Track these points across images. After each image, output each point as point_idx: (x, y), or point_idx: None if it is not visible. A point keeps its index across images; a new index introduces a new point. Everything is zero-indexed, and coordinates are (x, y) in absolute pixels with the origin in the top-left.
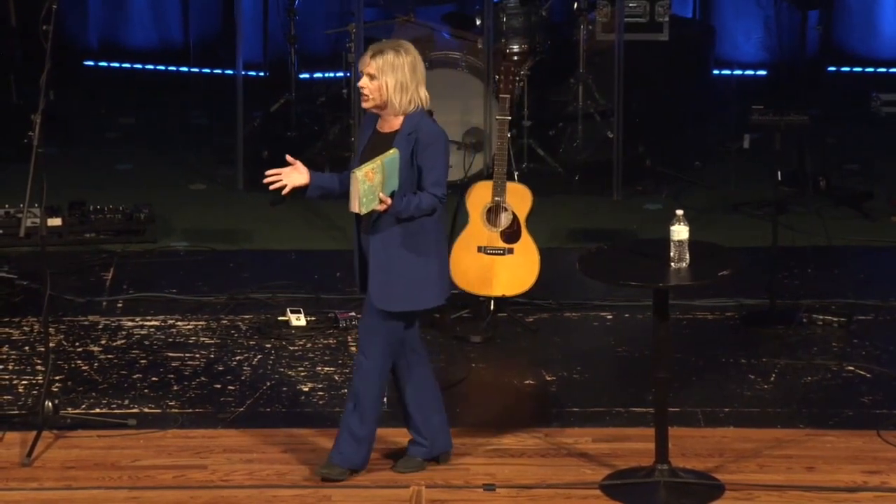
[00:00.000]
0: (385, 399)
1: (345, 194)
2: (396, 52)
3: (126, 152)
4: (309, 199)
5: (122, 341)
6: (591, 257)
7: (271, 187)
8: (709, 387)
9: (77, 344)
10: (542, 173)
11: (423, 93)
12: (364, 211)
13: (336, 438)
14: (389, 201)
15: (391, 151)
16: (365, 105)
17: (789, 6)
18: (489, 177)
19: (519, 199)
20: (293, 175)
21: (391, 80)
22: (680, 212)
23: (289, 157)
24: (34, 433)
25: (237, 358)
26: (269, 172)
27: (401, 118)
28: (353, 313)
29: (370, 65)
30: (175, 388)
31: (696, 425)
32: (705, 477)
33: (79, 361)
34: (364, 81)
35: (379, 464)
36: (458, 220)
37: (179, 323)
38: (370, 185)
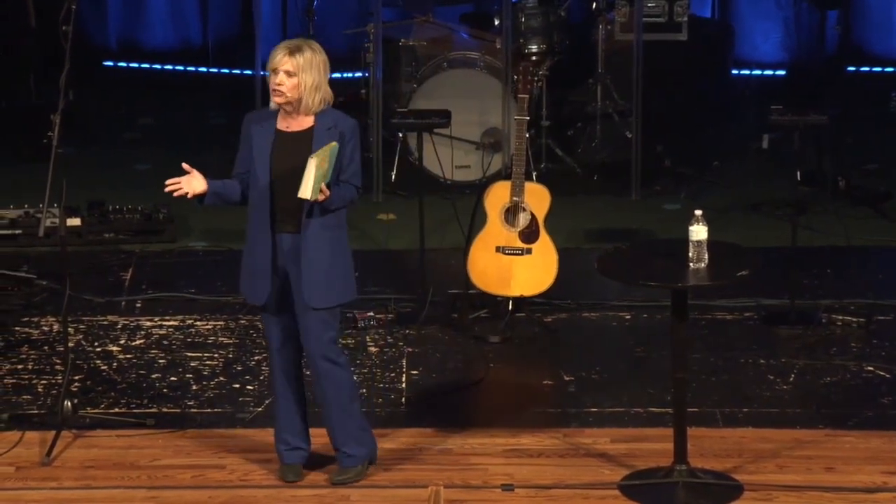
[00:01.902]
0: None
1: (243, 202)
2: (313, 50)
3: (145, 152)
4: (207, 207)
5: (141, 341)
6: (609, 257)
7: (175, 194)
8: (728, 387)
9: (96, 344)
10: (561, 173)
11: (329, 91)
12: (312, 198)
13: (335, 448)
14: (328, 192)
15: (332, 144)
16: (278, 101)
17: (808, 6)
18: (507, 177)
19: (537, 199)
20: (192, 182)
21: (309, 78)
22: (699, 212)
23: (185, 165)
24: (53, 433)
25: (255, 358)
26: (168, 182)
27: (311, 116)
28: (371, 313)
29: (287, 62)
30: (194, 387)
31: (715, 425)
32: (724, 477)
33: (98, 361)
34: (282, 78)
35: (397, 464)
36: (476, 220)
37: (198, 323)
38: (321, 173)
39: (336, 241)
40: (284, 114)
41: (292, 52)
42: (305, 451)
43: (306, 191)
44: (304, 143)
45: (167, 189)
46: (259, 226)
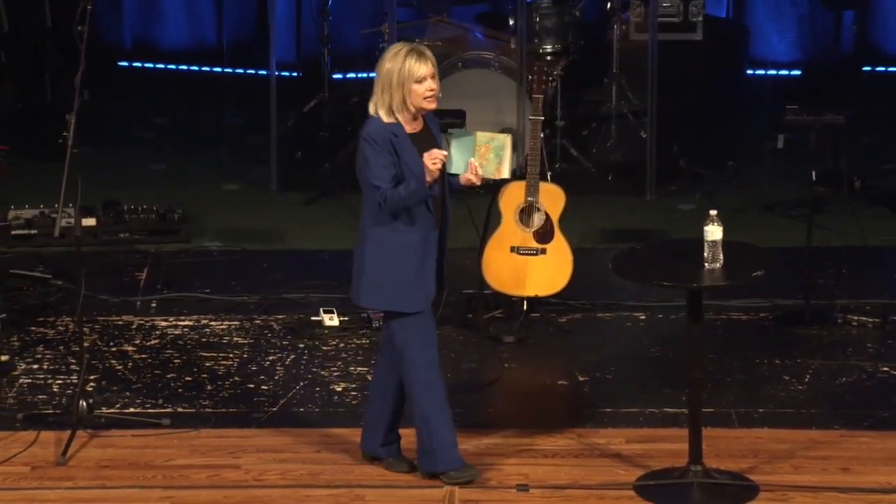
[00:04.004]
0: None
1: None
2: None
3: (160, 152)
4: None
5: (156, 341)
6: (624, 257)
7: (437, 167)
8: (743, 387)
9: (111, 343)
10: (576, 173)
11: None
12: (506, 175)
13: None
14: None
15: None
16: (432, 106)
17: (824, 6)
18: (522, 177)
19: (552, 199)
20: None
21: (438, 76)
22: (714, 212)
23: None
24: (69, 432)
25: (270, 358)
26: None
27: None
28: None
29: (431, 67)
30: (209, 387)
31: (730, 426)
32: (739, 478)
33: (113, 361)
34: (431, 83)
35: None
36: (490, 220)
37: (213, 323)
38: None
39: None
40: (409, 118)
41: (425, 57)
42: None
43: (506, 171)
44: (430, 142)
45: (436, 160)
46: (423, 227)
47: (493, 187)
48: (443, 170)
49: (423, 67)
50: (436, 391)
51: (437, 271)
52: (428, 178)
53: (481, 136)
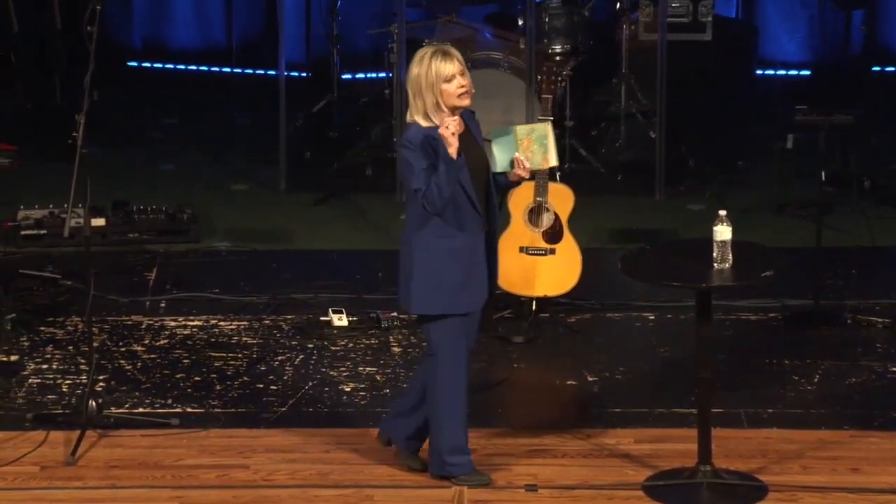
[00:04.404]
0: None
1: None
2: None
3: (169, 153)
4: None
5: (165, 341)
6: (633, 258)
7: (454, 132)
8: (752, 388)
9: (120, 344)
10: (585, 173)
11: None
12: (554, 163)
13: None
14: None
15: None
16: (466, 102)
17: (833, 6)
18: (531, 177)
19: (561, 199)
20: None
21: (467, 71)
22: (723, 212)
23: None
24: (78, 432)
25: (279, 358)
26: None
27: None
28: (394, 313)
29: (458, 65)
30: (218, 387)
31: (740, 426)
32: (748, 478)
33: (122, 361)
34: (461, 80)
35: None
36: (499, 220)
37: (222, 323)
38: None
39: None
40: (446, 118)
41: (451, 55)
42: None
43: (553, 158)
44: (470, 141)
45: (448, 125)
46: (470, 230)
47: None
48: (487, 170)
49: (449, 66)
50: (455, 396)
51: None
52: (450, 150)
53: (521, 129)
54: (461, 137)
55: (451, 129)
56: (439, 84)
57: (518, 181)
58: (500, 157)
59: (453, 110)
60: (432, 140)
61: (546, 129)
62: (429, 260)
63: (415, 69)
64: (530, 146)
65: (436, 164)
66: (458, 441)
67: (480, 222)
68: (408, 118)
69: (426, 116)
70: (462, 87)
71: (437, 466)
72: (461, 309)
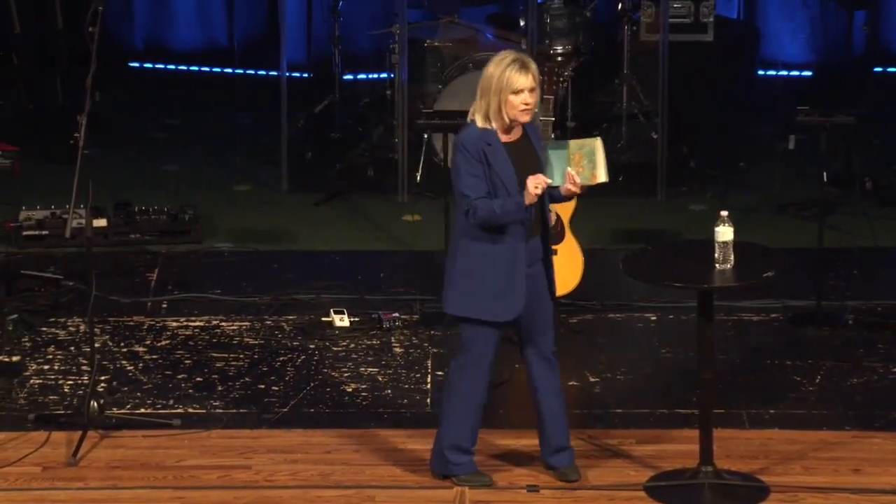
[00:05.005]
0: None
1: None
2: (532, 60)
3: (171, 153)
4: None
5: (167, 342)
6: (635, 258)
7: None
8: (754, 388)
9: (122, 344)
10: None
11: None
12: (605, 179)
13: (560, 447)
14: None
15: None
16: (525, 119)
17: (835, 6)
18: (581, 193)
19: None
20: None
21: (539, 90)
22: (725, 213)
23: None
24: (80, 433)
25: (281, 358)
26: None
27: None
28: (396, 314)
29: (531, 80)
30: (219, 388)
31: (741, 427)
32: (750, 479)
33: (124, 362)
34: (526, 97)
35: (422, 465)
36: None
37: (224, 323)
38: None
39: None
40: (504, 127)
41: (527, 68)
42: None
43: (603, 174)
44: (527, 151)
45: (539, 185)
46: (512, 238)
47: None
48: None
49: (522, 79)
50: (469, 398)
51: (547, 280)
52: (527, 201)
53: (573, 144)
54: (518, 146)
55: (539, 189)
56: (506, 93)
57: (570, 196)
58: (555, 171)
59: (511, 122)
60: (486, 146)
61: (595, 145)
62: (467, 263)
63: (490, 69)
64: (581, 161)
65: (486, 171)
66: (462, 440)
67: (523, 233)
68: (469, 114)
69: (486, 118)
70: (526, 104)
71: (439, 464)
72: (492, 316)
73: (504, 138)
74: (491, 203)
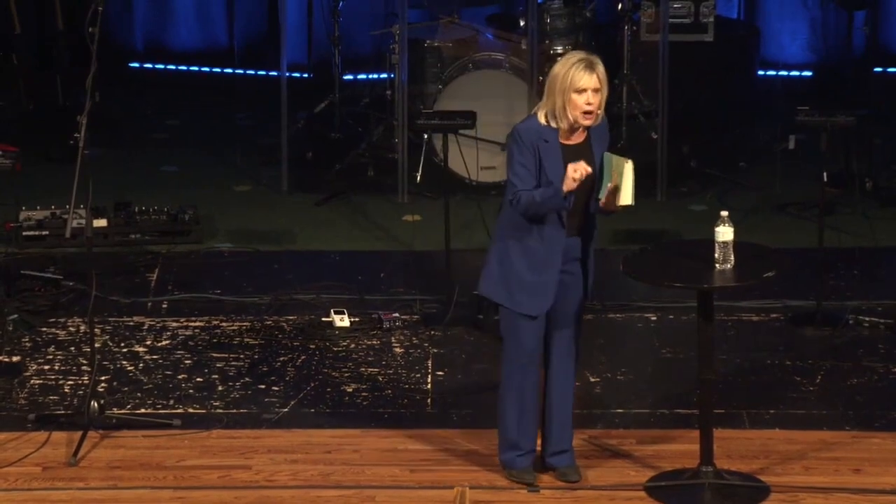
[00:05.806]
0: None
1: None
2: (599, 61)
3: (171, 154)
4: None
5: (167, 342)
6: (635, 258)
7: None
8: (754, 388)
9: (122, 344)
10: None
11: None
12: (632, 202)
13: (563, 449)
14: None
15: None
16: (587, 123)
17: (836, 7)
18: (610, 212)
19: None
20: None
21: (605, 91)
22: (725, 213)
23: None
24: (80, 433)
25: (281, 359)
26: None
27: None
28: (396, 314)
29: (595, 80)
30: (219, 388)
31: (742, 427)
32: (750, 479)
33: (124, 362)
34: (590, 97)
35: (422, 465)
36: None
37: (224, 324)
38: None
39: None
40: (567, 128)
41: (592, 68)
42: None
43: (628, 197)
44: (584, 155)
45: (579, 171)
46: (550, 237)
47: (503, 188)
48: (592, 185)
49: (586, 79)
50: (513, 391)
51: (583, 282)
52: (565, 188)
53: (616, 160)
54: (576, 149)
55: (578, 174)
56: (570, 92)
57: (607, 211)
58: (605, 176)
59: (574, 123)
60: (542, 142)
61: (625, 167)
62: (503, 251)
63: (556, 68)
64: (617, 179)
65: (536, 165)
66: (510, 434)
67: (562, 230)
68: (534, 109)
69: (551, 117)
70: (588, 104)
71: (500, 455)
72: (519, 307)
73: (564, 140)
74: (532, 192)
